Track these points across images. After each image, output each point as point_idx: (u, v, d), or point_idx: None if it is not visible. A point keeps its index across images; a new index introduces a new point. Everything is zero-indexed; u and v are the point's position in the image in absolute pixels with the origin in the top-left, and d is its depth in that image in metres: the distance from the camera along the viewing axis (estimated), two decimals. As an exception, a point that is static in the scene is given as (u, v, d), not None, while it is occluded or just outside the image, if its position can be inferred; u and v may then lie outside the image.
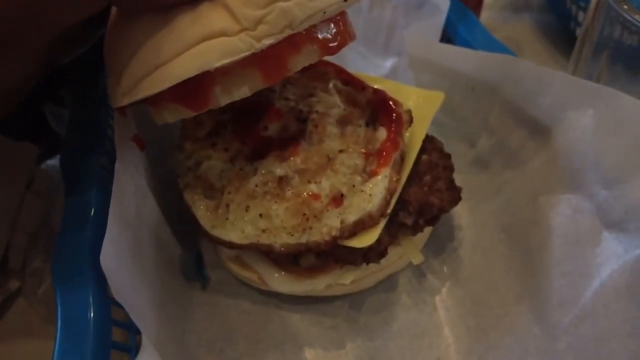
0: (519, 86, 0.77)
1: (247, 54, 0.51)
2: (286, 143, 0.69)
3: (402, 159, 0.70)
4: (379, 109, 0.72)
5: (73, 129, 0.73)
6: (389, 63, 1.00)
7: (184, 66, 0.51)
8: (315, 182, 0.66)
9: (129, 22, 0.55)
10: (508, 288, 0.73)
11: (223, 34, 0.50)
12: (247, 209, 0.66)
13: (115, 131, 0.63)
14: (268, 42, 0.51)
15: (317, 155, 0.68)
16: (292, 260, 0.68)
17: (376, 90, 0.74)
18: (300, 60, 0.57)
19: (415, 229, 0.70)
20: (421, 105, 0.77)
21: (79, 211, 0.65)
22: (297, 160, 0.68)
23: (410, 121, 0.71)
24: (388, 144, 0.68)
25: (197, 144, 0.72)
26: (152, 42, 0.52)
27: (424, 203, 0.69)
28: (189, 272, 0.78)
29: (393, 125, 0.70)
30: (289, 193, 0.66)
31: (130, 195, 0.62)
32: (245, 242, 0.65)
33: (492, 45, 0.92)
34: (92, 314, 0.56)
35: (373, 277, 0.73)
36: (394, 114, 0.70)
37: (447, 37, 0.97)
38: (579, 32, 1.05)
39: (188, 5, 0.51)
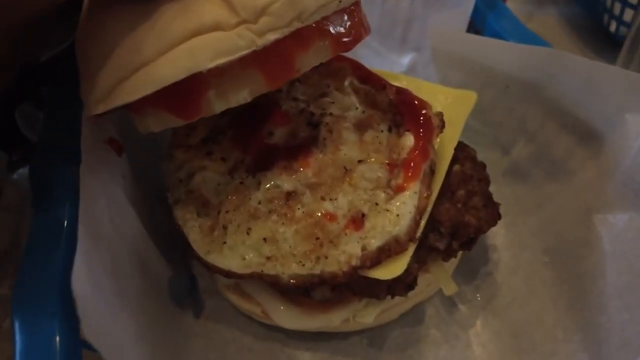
0: (565, 84, 0.69)
1: (246, 52, 0.46)
2: (295, 152, 0.62)
3: (432, 170, 0.62)
4: (403, 112, 0.65)
5: (46, 133, 0.66)
6: (406, 59, 0.92)
7: (170, 67, 0.46)
8: (330, 199, 0.59)
9: (105, 14, 0.51)
10: (555, 321, 0.67)
11: (217, 27, 0.46)
12: (248, 231, 0.59)
13: (82, 130, 0.56)
14: (272, 37, 0.46)
15: (332, 166, 0.61)
16: (302, 291, 0.61)
17: (400, 89, 0.66)
18: (309, 59, 0.52)
19: (448, 254, 0.64)
20: (451, 106, 0.69)
21: (48, 230, 0.57)
22: (308, 173, 0.61)
23: (442, 126, 0.64)
24: (416, 152, 0.61)
25: (190, 152, 0.66)
26: (131, 38, 0.47)
27: (459, 223, 0.63)
28: (180, 298, 0.71)
29: (421, 130, 0.62)
30: (298, 212, 0.59)
31: (102, 207, 0.56)
32: (246, 271, 0.59)
33: (525, 37, 0.82)
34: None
35: (396, 309, 0.67)
36: (422, 117, 0.63)
37: (475, 28, 0.89)
38: (614, 26, 0.96)
39: None
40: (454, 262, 0.69)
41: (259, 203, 0.60)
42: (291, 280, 0.57)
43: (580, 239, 0.66)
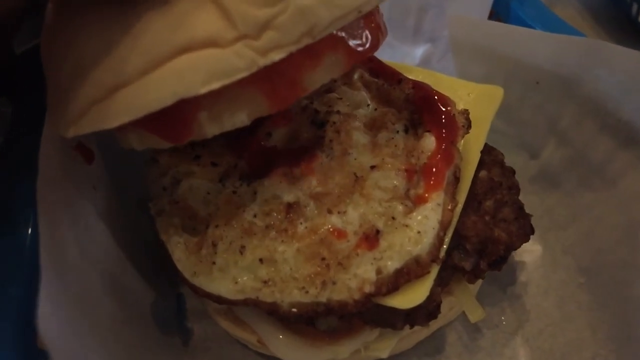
0: (605, 79, 0.66)
1: (245, 74, 0.41)
2: (297, 156, 0.57)
3: (457, 177, 0.58)
4: (422, 109, 0.60)
5: (8, 141, 0.62)
6: (419, 51, 0.88)
7: (155, 92, 0.41)
8: (338, 213, 0.54)
9: (76, 14, 0.45)
10: (594, 352, 0.63)
11: (212, 43, 0.40)
12: (241, 250, 0.54)
13: (42, 136, 0.50)
14: (277, 57, 0.40)
15: (341, 173, 0.56)
16: (304, 320, 0.55)
17: (418, 84, 0.62)
18: (319, 75, 0.48)
19: (475, 275, 0.59)
20: (475, 103, 0.66)
21: (8, 257, 0.54)
22: (312, 181, 0.56)
23: (468, 125, 0.59)
24: (438, 157, 0.56)
25: (176, 156, 0.61)
26: (107, 51, 0.42)
27: (487, 239, 0.58)
28: (166, 322, 0.67)
29: (444, 130, 0.58)
30: (301, 228, 0.54)
31: (67, 227, 0.51)
32: (239, 297, 0.53)
33: (555, 25, 0.80)
34: None
35: (413, 337, 0.63)
36: (445, 116, 0.58)
37: (497, 17, 0.86)
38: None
39: None
40: (478, 282, 0.64)
41: (255, 216, 0.55)
42: (292, 309, 0.52)
43: (623, 259, 0.63)
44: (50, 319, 0.43)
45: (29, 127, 0.59)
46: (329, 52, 0.47)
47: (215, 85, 0.40)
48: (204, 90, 0.40)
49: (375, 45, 0.51)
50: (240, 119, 0.46)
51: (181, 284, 0.69)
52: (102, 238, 0.57)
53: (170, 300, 0.69)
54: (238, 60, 0.40)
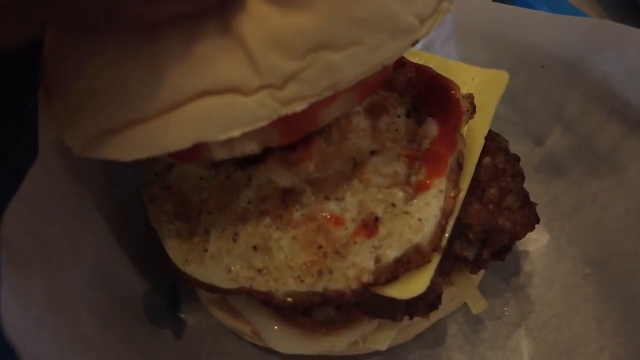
0: (614, 62, 0.64)
1: (265, 123, 0.40)
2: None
3: (460, 164, 0.55)
4: (425, 93, 0.58)
5: None
6: None
7: (174, 134, 0.40)
8: (336, 199, 0.53)
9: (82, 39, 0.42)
10: (601, 345, 0.61)
11: (235, 89, 0.39)
12: (235, 237, 0.52)
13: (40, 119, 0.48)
14: (299, 108, 0.40)
15: (339, 158, 0.54)
16: (300, 311, 0.54)
17: (420, 67, 0.60)
18: (333, 111, 0.48)
19: (478, 265, 0.57)
20: (479, 88, 0.63)
21: None
22: (309, 166, 0.53)
23: (473, 110, 0.57)
24: (441, 142, 0.54)
25: None
26: (124, 84, 0.40)
27: (491, 228, 0.56)
28: (158, 314, 0.66)
29: (447, 115, 0.55)
30: (297, 215, 0.52)
31: (54, 215, 0.49)
32: (233, 286, 0.52)
33: (561, 7, 0.79)
34: None
35: (413, 328, 0.61)
36: (448, 100, 0.56)
37: None
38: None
39: (182, 29, 0.38)
40: (480, 272, 0.63)
41: (249, 203, 0.53)
42: (287, 299, 0.50)
43: (632, 249, 0.62)
44: (20, 325, 0.41)
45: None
46: (346, 92, 0.45)
47: (236, 133, 0.40)
48: (223, 137, 0.40)
49: (386, 72, 0.50)
50: (251, 147, 0.46)
51: (175, 275, 0.67)
52: (95, 228, 0.56)
53: (164, 292, 0.67)
54: (260, 110, 0.40)
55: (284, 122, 0.42)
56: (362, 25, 0.39)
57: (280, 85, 0.39)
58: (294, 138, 0.48)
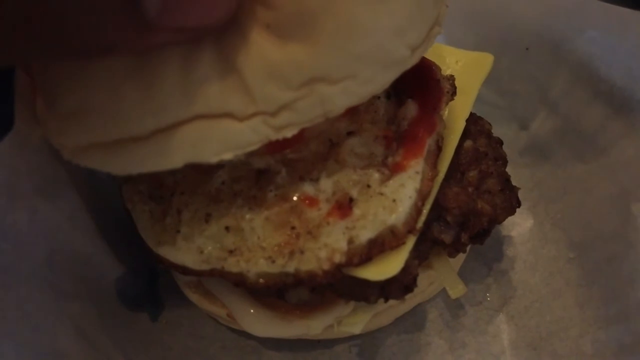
0: (598, 42, 0.64)
1: (256, 147, 0.42)
2: None
3: (439, 146, 0.55)
4: (406, 75, 0.55)
5: None
6: None
7: (166, 154, 0.41)
8: (310, 180, 0.52)
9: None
10: (583, 330, 0.61)
11: (229, 114, 0.40)
12: (207, 218, 0.51)
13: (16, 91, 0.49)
14: (290, 133, 0.42)
15: (315, 139, 0.54)
16: (274, 293, 0.53)
17: None
18: (320, 127, 0.50)
19: (456, 249, 0.57)
20: (462, 71, 0.63)
21: None
22: None
23: (453, 92, 0.56)
24: (420, 124, 0.54)
25: None
26: (118, 102, 0.40)
27: (469, 211, 0.56)
28: (137, 298, 0.65)
29: (427, 97, 0.55)
30: (271, 196, 0.51)
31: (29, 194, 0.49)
32: (205, 267, 0.51)
33: None
34: None
35: (391, 312, 0.61)
36: (429, 82, 0.56)
37: None
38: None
39: (179, 52, 0.39)
40: (461, 257, 0.62)
41: (222, 183, 0.53)
42: (259, 280, 0.50)
43: (615, 232, 0.61)
44: None
45: None
46: None
47: (227, 156, 0.41)
48: (215, 160, 0.41)
49: None
50: (238, 156, 0.46)
51: (152, 259, 0.66)
52: (69, 208, 0.55)
53: (142, 275, 0.66)
54: (253, 135, 0.41)
55: (272, 142, 0.43)
56: (359, 61, 0.40)
57: (274, 113, 0.40)
58: (280, 149, 0.50)
